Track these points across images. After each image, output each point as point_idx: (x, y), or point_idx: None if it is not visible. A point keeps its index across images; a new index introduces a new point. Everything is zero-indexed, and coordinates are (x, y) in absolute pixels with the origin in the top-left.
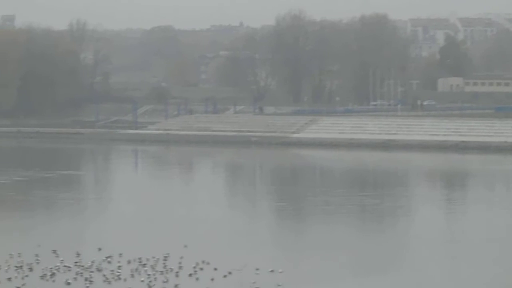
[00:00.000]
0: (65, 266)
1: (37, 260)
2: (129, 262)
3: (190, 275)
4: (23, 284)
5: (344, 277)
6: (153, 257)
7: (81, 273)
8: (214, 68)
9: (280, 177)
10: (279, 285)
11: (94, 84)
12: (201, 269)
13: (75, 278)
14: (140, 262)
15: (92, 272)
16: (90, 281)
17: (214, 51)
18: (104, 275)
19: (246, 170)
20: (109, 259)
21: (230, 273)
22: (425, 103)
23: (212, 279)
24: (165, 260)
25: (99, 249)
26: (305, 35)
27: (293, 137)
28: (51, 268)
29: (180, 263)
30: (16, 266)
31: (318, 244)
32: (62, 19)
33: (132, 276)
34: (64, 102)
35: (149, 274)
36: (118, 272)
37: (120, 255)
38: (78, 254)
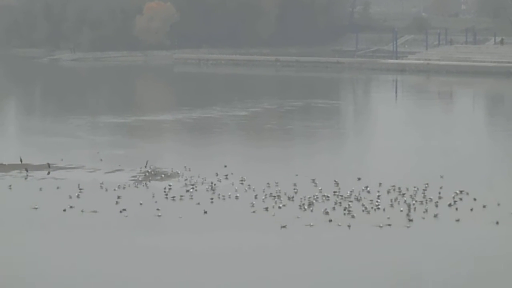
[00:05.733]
0: (323, 195)
1: (295, 189)
2: (388, 192)
3: (450, 205)
4: (274, 215)
5: None
6: (413, 187)
7: (340, 202)
8: None
9: None
10: None
11: (354, 13)
12: (461, 199)
13: (333, 208)
14: (399, 192)
15: (351, 201)
16: (349, 210)
17: None
18: (363, 205)
19: (507, 101)
20: (368, 189)
21: (487, 205)
22: None
23: (471, 209)
24: (425, 190)
25: (358, 179)
26: None
27: None
28: (309, 197)
29: (439, 193)
30: (273, 196)
31: None
32: None
33: (391, 206)
34: (323, 31)
35: (408, 204)
36: (377, 201)
37: (380, 184)
38: (337, 184)
